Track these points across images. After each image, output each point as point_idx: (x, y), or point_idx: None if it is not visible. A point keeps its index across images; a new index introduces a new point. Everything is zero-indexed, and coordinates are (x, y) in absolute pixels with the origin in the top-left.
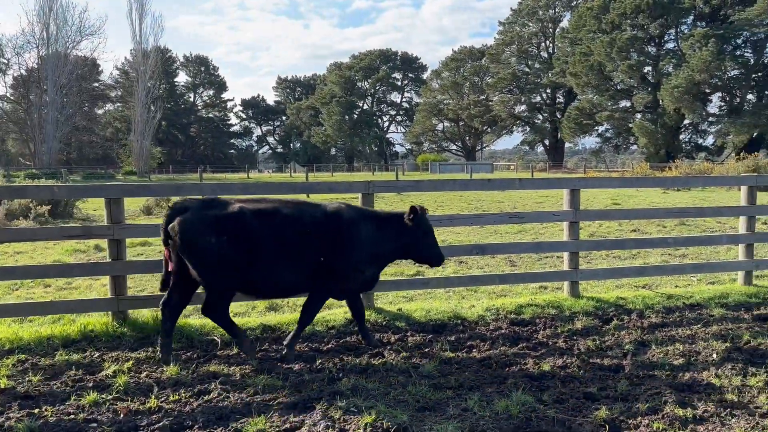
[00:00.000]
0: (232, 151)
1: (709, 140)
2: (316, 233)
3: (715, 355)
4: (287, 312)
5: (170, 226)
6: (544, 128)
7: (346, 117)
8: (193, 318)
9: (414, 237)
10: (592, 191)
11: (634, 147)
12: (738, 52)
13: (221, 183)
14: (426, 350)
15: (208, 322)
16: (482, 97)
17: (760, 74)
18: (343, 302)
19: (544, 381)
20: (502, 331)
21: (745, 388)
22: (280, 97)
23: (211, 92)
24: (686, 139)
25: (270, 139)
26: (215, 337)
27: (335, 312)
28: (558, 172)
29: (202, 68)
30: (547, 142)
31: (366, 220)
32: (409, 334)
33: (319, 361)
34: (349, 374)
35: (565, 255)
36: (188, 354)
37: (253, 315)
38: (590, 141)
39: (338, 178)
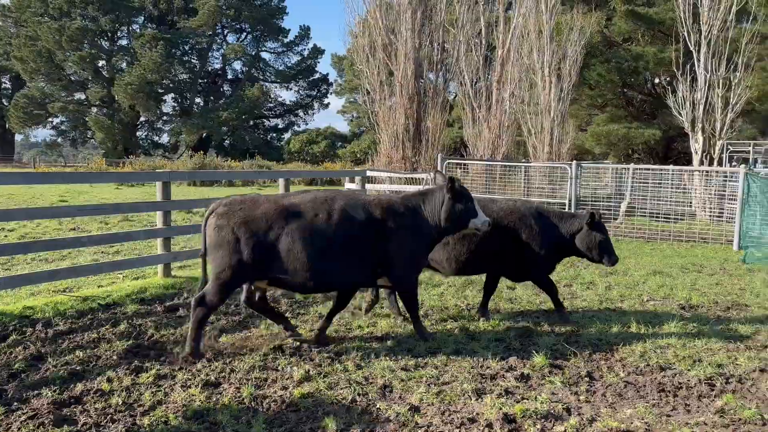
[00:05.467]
0: None
1: (165, 138)
2: None
3: (115, 357)
4: None
5: None
6: None
7: None
8: None
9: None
10: (41, 187)
11: (94, 141)
12: (186, 58)
13: None
14: None
15: None
16: None
17: (205, 80)
18: None
19: None
20: None
21: (135, 387)
22: None
23: None
24: (143, 136)
25: None
26: None
27: None
28: (8, 166)
29: None
30: None
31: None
32: None
33: None
34: None
35: None
36: None
37: None
38: (45, 133)
39: None
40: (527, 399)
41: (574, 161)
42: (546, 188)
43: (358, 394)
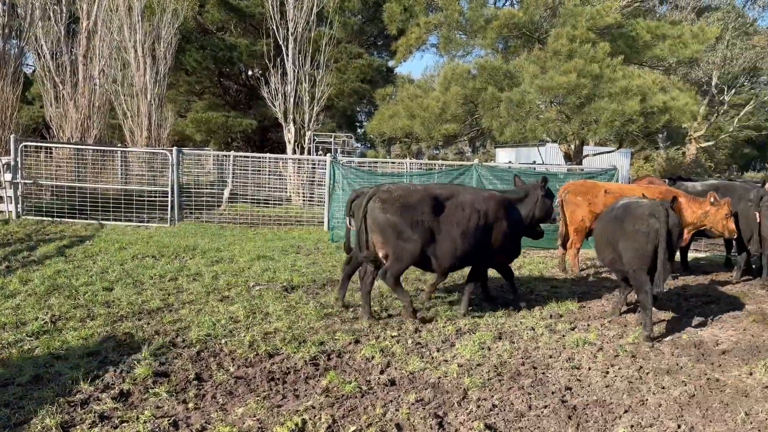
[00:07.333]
0: None
1: None
2: None
3: None
4: None
5: None
6: None
7: None
8: None
9: None
10: None
11: None
12: None
13: None
14: None
15: None
16: None
17: None
18: None
19: None
20: None
21: None
22: None
23: None
24: None
25: None
26: None
27: None
28: None
29: None
30: None
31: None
32: None
33: None
34: None
35: None
36: None
37: None
38: None
39: None
40: (127, 422)
41: (175, 147)
42: (147, 175)
43: None
